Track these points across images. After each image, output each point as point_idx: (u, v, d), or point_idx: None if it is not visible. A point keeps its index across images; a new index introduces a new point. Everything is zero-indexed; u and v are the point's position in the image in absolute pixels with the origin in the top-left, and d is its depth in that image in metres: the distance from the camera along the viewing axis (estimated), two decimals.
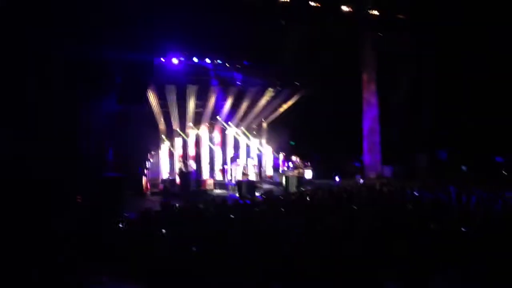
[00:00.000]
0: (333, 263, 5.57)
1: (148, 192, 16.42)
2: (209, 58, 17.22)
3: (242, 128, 19.37)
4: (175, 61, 16.46)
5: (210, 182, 17.42)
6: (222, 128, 18.84)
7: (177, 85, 16.90)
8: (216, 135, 18.63)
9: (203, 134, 18.18)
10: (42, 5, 11.81)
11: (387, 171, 19.78)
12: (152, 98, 16.69)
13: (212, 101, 17.94)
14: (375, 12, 18.62)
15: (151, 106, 16.79)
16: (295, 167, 17.62)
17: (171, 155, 17.75)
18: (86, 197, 11.62)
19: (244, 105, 18.82)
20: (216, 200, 11.93)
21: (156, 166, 17.52)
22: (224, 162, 18.34)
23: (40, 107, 12.00)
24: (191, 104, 17.51)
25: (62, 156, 11.74)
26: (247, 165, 17.52)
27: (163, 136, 17.56)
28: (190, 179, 16.73)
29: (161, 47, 15.67)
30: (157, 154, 17.55)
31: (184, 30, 14.80)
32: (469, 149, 18.29)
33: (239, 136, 19.07)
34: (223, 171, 18.23)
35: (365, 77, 19.94)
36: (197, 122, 18.14)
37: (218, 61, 17.58)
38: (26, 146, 11.30)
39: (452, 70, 18.53)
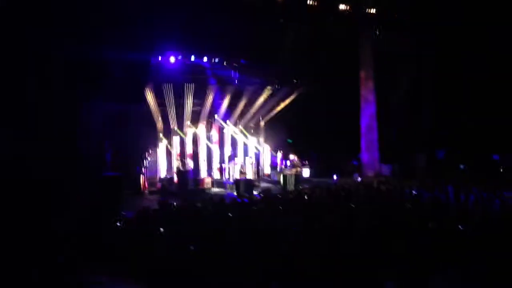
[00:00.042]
0: (332, 262, 5.60)
1: (146, 191, 16.33)
2: (207, 57, 17.24)
3: (240, 126, 19.35)
4: (172, 59, 16.45)
5: (208, 180, 17.35)
6: (220, 126, 18.80)
7: (175, 83, 16.91)
8: (214, 134, 18.57)
9: (201, 132, 18.11)
10: (42, 5, 11.83)
11: (386, 169, 19.79)
12: (150, 97, 16.68)
13: (210, 99, 17.95)
14: (375, 12, 18.64)
15: (149, 105, 16.77)
16: (293, 165, 17.64)
17: (169, 153, 17.66)
18: (86, 196, 11.63)
19: (242, 104, 18.83)
20: (214, 198, 11.88)
21: (154, 165, 17.43)
22: (222, 161, 18.36)
23: (40, 107, 12.03)
24: (189, 103, 17.52)
25: (62, 156, 11.76)
26: (245, 163, 17.51)
27: (161, 135, 17.55)
28: (188, 177, 16.70)
29: (161, 47, 15.73)
30: (155, 152, 17.53)
31: (183, 30, 14.85)
32: (469, 149, 18.33)
33: (237, 134, 19.06)
34: (221, 169, 18.23)
35: (362, 74, 19.91)
36: (195, 121, 18.09)
37: (216, 59, 17.61)
38: (26, 146, 11.32)
39: (451, 70, 18.59)
